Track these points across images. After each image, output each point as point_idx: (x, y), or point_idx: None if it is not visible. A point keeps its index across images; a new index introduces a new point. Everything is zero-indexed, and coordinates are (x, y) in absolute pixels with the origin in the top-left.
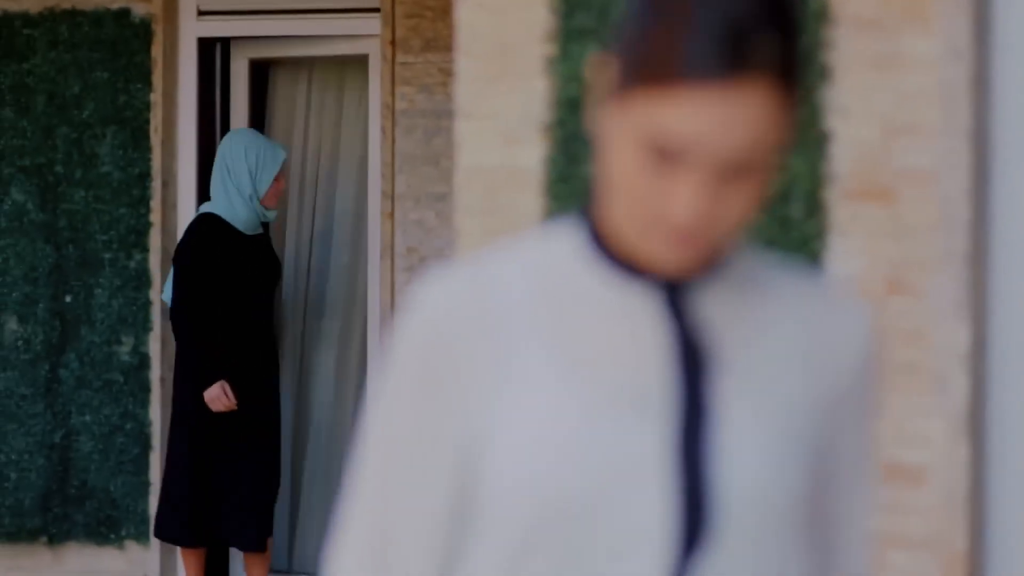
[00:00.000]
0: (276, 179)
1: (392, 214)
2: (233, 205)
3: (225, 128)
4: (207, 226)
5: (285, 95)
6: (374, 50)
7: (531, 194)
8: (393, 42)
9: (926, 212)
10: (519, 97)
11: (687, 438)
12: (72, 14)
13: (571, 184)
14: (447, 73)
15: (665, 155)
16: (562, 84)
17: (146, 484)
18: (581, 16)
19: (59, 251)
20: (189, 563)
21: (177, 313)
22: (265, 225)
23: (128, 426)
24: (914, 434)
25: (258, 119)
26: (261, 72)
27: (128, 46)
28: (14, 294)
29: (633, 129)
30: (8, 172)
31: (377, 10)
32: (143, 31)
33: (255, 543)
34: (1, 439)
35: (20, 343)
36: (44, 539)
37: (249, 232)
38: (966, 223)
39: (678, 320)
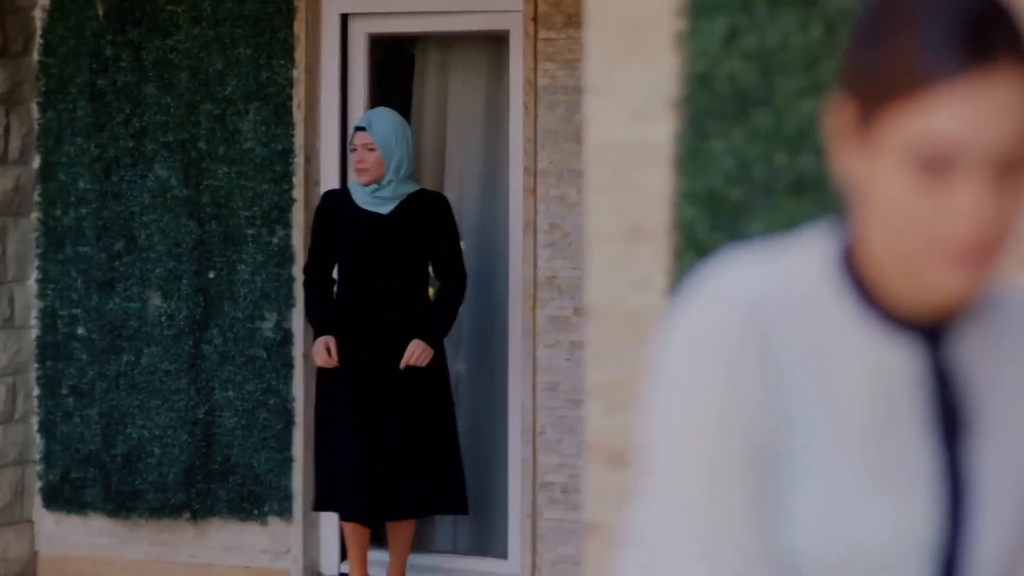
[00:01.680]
0: (351, 149)
1: (534, 190)
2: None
3: (370, 105)
4: (325, 199)
5: (426, 71)
6: (516, 26)
7: (661, 170)
8: (535, 18)
9: None
10: (648, 73)
11: (948, 517)
12: None
13: (700, 160)
14: None
15: (934, 167)
16: (691, 59)
17: (289, 460)
18: None
19: (202, 227)
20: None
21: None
22: (411, 203)
23: (271, 402)
24: None
25: (396, 95)
26: (402, 48)
27: (271, 22)
28: (158, 270)
29: (891, 152)
30: (152, 148)
31: None
32: (285, 7)
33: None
34: (145, 415)
35: (164, 319)
36: (187, 514)
37: (368, 207)
38: None
39: (940, 380)
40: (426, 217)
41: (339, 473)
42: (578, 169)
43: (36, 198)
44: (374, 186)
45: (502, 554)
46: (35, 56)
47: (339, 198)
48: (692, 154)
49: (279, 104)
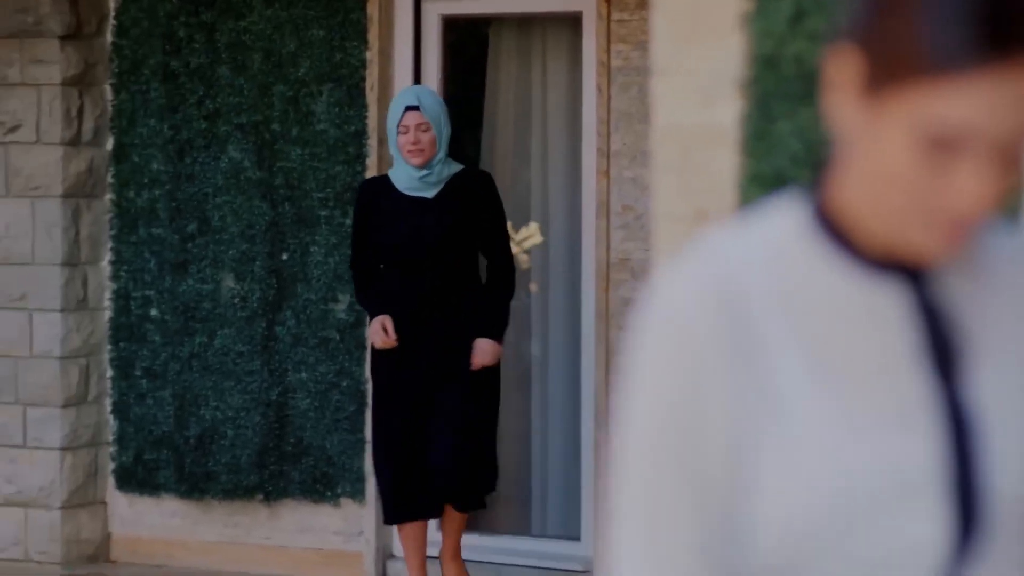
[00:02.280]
0: (401, 131)
1: (607, 172)
2: (395, 165)
3: (444, 87)
4: (365, 189)
5: (500, 53)
6: (589, 7)
7: (727, 152)
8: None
9: None
10: (714, 54)
11: (953, 447)
12: None
13: (767, 141)
14: None
15: (940, 146)
16: (757, 40)
17: (362, 442)
18: None
19: (275, 209)
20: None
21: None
22: (456, 184)
23: (344, 383)
24: None
25: (470, 77)
26: (476, 30)
27: (344, 3)
28: (231, 252)
29: (901, 123)
30: (225, 130)
31: None
32: None
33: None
34: (218, 396)
35: (237, 300)
36: (260, 496)
37: (413, 192)
38: None
39: (928, 316)
40: (473, 197)
41: (388, 477)
42: (651, 151)
43: (109, 180)
44: (425, 170)
45: (574, 536)
46: (108, 37)
47: (379, 186)
48: (758, 136)
49: (352, 85)
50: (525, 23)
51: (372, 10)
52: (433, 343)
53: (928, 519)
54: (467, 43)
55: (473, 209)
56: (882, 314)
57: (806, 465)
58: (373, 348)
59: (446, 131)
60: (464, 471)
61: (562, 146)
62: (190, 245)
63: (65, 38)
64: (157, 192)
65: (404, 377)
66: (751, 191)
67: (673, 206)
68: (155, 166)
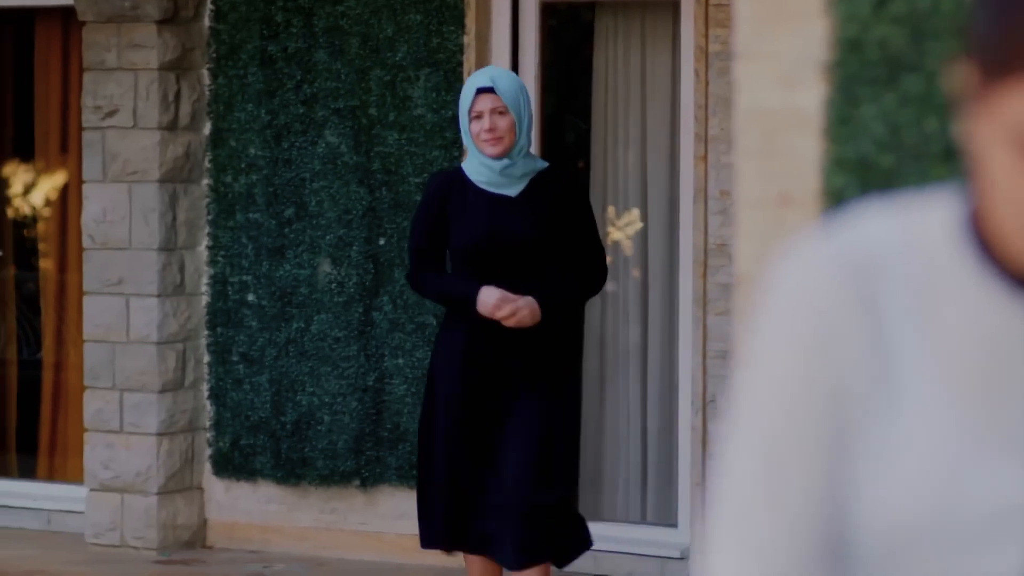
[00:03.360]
0: (474, 116)
1: (705, 157)
2: (469, 157)
3: (542, 73)
4: (437, 184)
5: (603, 37)
6: None
7: (810, 136)
8: None
9: None
10: (798, 38)
11: None
12: None
13: (850, 126)
14: None
15: None
16: (841, 24)
17: None
18: None
19: (372, 194)
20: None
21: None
22: (542, 181)
23: None
24: None
25: (570, 63)
26: (577, 15)
27: None
28: (328, 236)
29: (1000, 130)
30: (322, 115)
31: None
32: None
33: (512, 561)
34: (315, 382)
35: (334, 286)
36: (357, 482)
37: (494, 189)
38: None
39: None
40: (563, 200)
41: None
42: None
43: (207, 165)
44: (505, 161)
45: (672, 523)
46: (206, 22)
47: (454, 181)
48: (842, 120)
49: (449, 70)
50: (623, 8)
51: None
52: (511, 360)
53: (1016, 558)
54: (565, 28)
55: (563, 213)
56: (1016, 338)
57: (909, 468)
58: (441, 347)
59: (527, 117)
60: (540, 495)
61: (660, 131)
62: (287, 230)
63: (162, 22)
64: (254, 177)
65: (476, 392)
66: (834, 176)
67: (755, 191)
68: (252, 151)
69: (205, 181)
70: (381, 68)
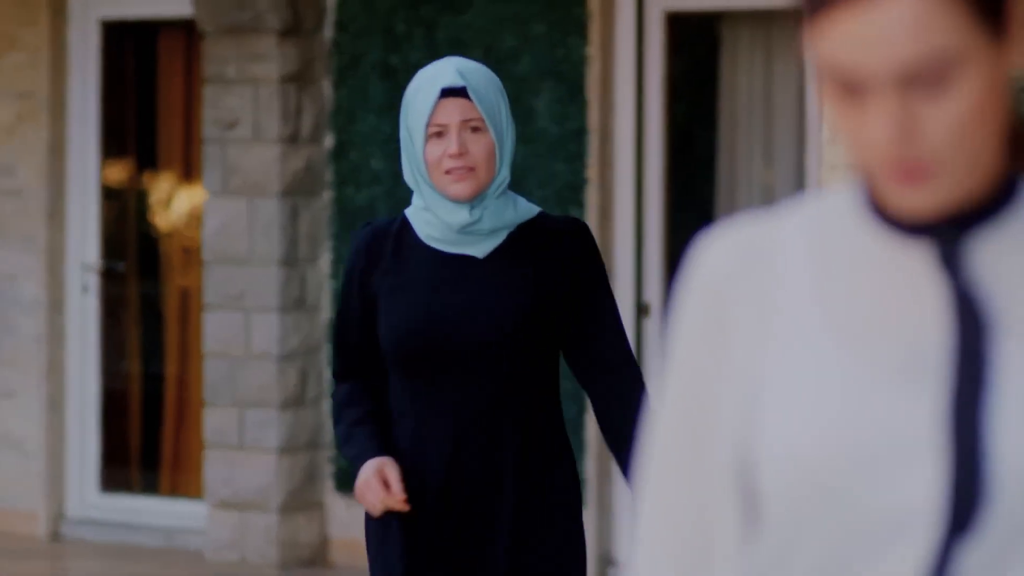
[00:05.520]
0: (432, 133)
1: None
2: (417, 198)
3: (668, 87)
4: (364, 241)
5: (731, 50)
6: None
7: None
8: None
9: None
10: None
11: (962, 409)
12: None
13: None
14: None
15: (850, 89)
16: None
17: (581, 444)
18: None
19: None
20: None
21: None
22: (523, 238)
23: (561, 387)
24: None
25: (697, 76)
26: (707, 26)
27: None
28: None
29: (825, 71)
30: None
31: None
32: None
33: None
34: None
35: None
36: None
37: (450, 248)
38: None
39: (955, 278)
40: (557, 263)
41: None
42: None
43: (329, 177)
44: (474, 211)
45: None
46: (327, 34)
47: (389, 237)
48: None
49: (573, 82)
50: (750, 18)
51: (593, 5)
52: (479, 516)
53: (923, 485)
54: (694, 41)
55: (560, 289)
56: (907, 272)
57: (806, 411)
58: (367, 519)
59: (510, 137)
60: None
61: (787, 144)
62: None
63: (283, 34)
64: (377, 190)
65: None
66: None
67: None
68: (374, 164)
69: (327, 194)
70: (504, 80)
